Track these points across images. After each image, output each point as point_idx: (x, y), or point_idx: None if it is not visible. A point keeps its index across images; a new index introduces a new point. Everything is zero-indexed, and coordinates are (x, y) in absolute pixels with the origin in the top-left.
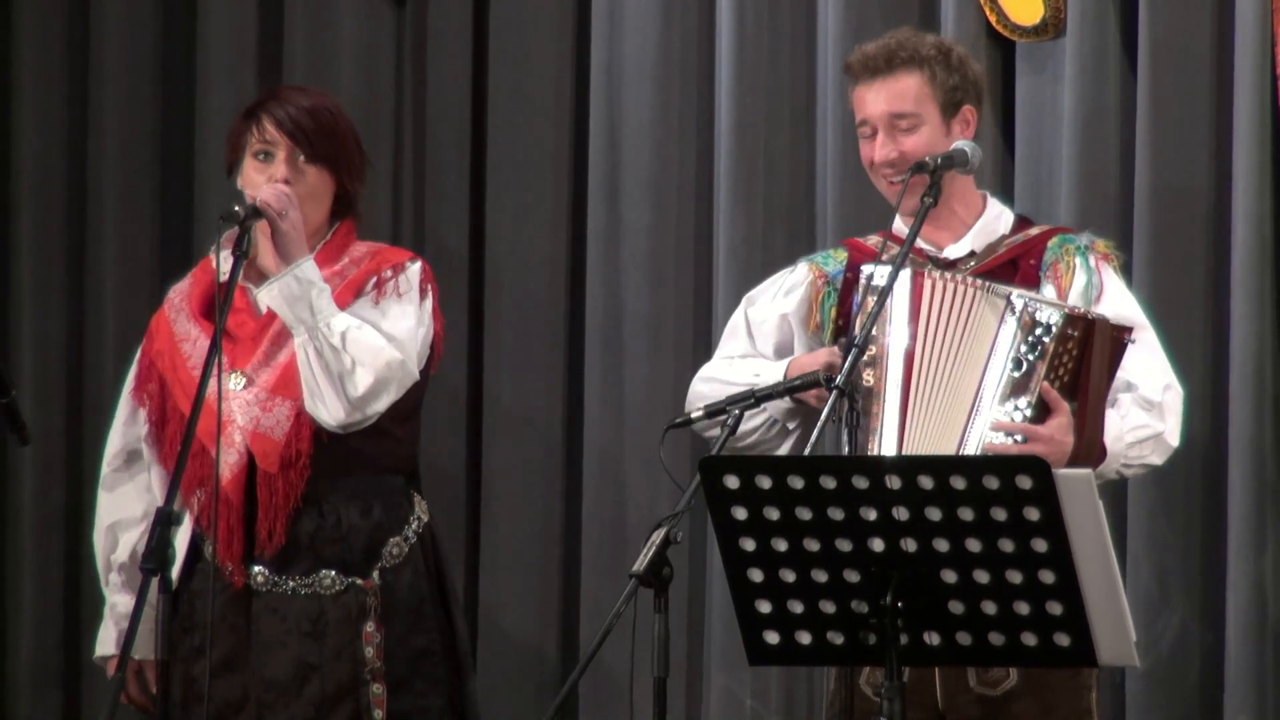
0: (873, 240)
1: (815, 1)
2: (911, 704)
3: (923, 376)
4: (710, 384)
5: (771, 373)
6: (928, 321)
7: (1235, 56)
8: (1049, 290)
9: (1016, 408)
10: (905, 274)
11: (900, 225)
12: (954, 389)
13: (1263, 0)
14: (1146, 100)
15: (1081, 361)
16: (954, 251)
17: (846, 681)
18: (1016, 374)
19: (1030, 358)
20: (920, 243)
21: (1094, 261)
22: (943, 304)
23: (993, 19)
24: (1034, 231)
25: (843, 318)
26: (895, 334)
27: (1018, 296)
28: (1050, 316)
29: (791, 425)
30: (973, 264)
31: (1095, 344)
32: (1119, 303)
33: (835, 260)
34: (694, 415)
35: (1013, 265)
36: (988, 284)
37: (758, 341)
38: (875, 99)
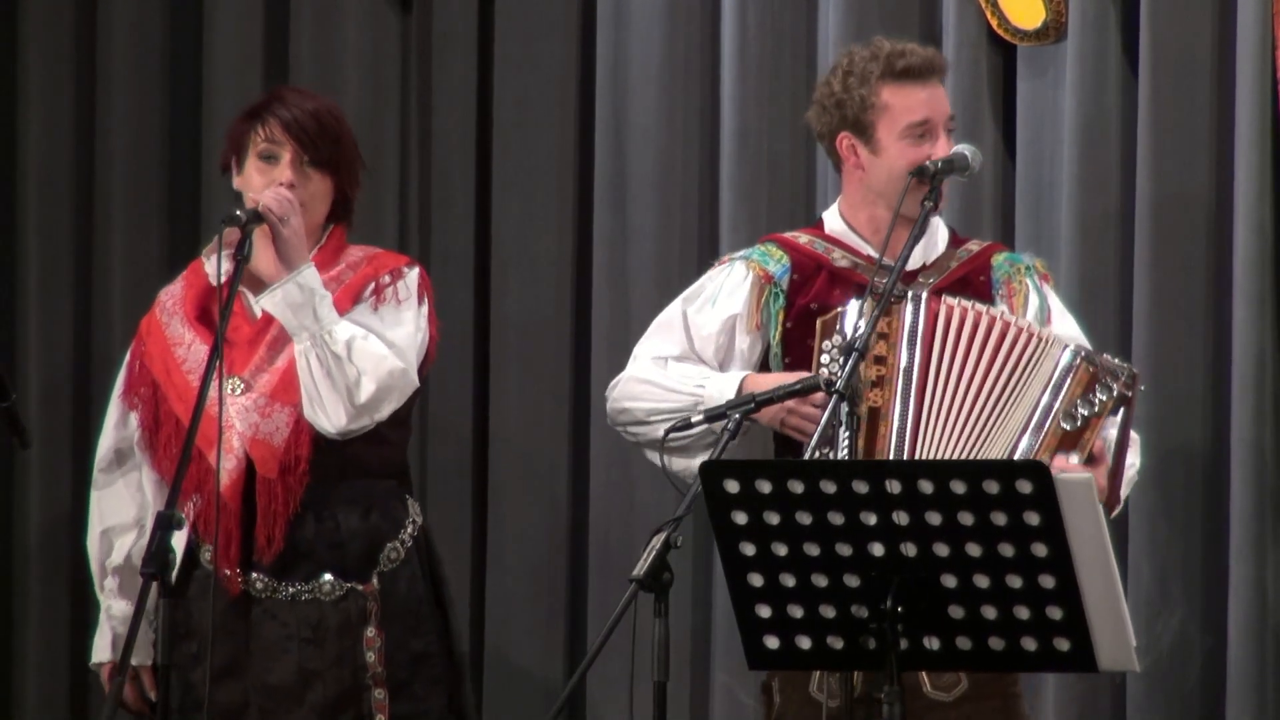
0: (804, 239)
1: (817, 6)
2: (870, 715)
3: (936, 402)
4: (646, 386)
5: (716, 385)
6: (943, 347)
7: (1236, 60)
8: (1002, 309)
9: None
10: (921, 295)
11: (839, 226)
12: (978, 420)
13: (1264, 4)
14: (1147, 104)
15: (1126, 417)
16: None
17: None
18: (1069, 427)
19: (1085, 414)
20: (872, 252)
21: (1039, 283)
22: (960, 331)
23: (994, 23)
24: (974, 247)
25: (792, 320)
26: (905, 356)
27: (1078, 349)
28: (1115, 379)
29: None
30: (934, 279)
31: (1135, 399)
32: (1065, 324)
33: (774, 260)
34: (695, 419)
35: (964, 282)
36: (1028, 324)
37: (696, 342)
38: (935, 99)
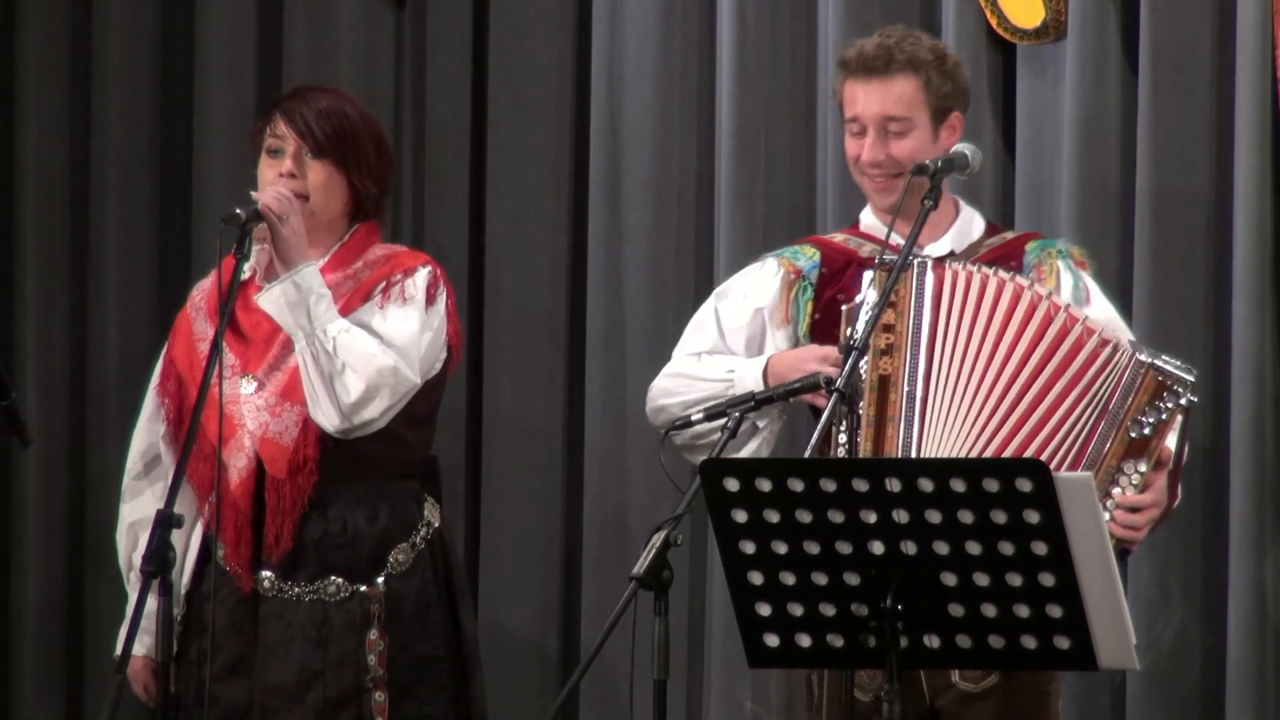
0: (839, 237)
1: (816, 3)
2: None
3: (946, 367)
4: (678, 380)
5: (746, 370)
6: (949, 313)
7: (1236, 59)
8: (1020, 276)
9: (1138, 470)
10: (928, 261)
11: (872, 221)
12: (999, 392)
13: (1263, 3)
14: (1147, 102)
15: (1186, 423)
16: (934, 250)
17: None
18: (1136, 435)
19: (1152, 421)
20: (897, 239)
21: (1074, 267)
22: (967, 293)
23: (993, 21)
24: (1009, 235)
25: (819, 312)
26: (913, 320)
27: (1136, 352)
28: (1183, 386)
29: (761, 424)
30: (962, 263)
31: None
32: (1103, 309)
33: (805, 256)
34: (694, 418)
35: (992, 265)
36: (1064, 303)
37: (728, 338)
38: (869, 99)
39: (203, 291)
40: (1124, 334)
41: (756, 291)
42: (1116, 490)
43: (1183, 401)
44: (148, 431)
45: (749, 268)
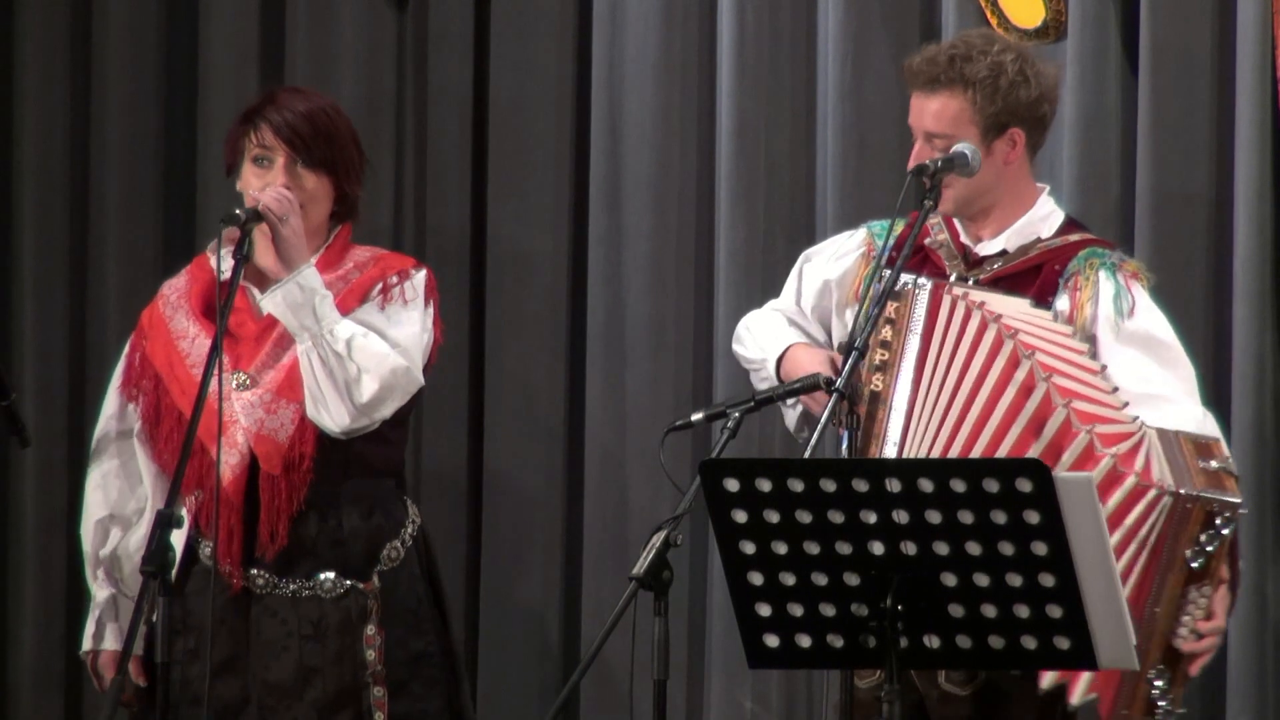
0: (934, 220)
1: (816, 4)
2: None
3: (929, 395)
4: (749, 332)
5: (774, 353)
6: (940, 344)
7: (1236, 59)
8: (1063, 300)
9: (1202, 594)
10: (928, 284)
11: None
12: (962, 426)
13: (1263, 3)
14: (1147, 102)
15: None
16: (986, 248)
17: (846, 684)
18: (1195, 565)
19: (1210, 549)
20: (965, 239)
21: (1123, 279)
22: (954, 324)
23: (993, 21)
24: (1073, 238)
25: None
26: (907, 343)
27: (1193, 494)
28: (1230, 508)
29: (791, 399)
30: (998, 264)
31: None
32: (1150, 321)
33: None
34: (694, 419)
35: (1037, 271)
36: (1041, 361)
37: (802, 298)
38: (919, 111)
39: (177, 290)
40: (1169, 349)
41: (833, 263)
42: (1186, 618)
43: (1232, 522)
44: (111, 429)
45: (841, 234)
